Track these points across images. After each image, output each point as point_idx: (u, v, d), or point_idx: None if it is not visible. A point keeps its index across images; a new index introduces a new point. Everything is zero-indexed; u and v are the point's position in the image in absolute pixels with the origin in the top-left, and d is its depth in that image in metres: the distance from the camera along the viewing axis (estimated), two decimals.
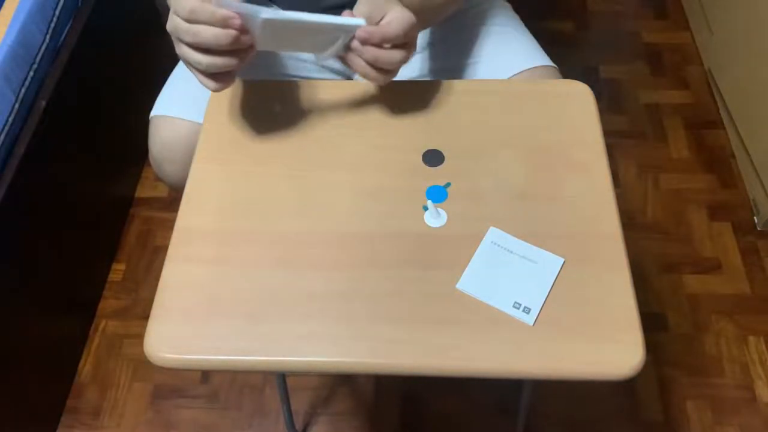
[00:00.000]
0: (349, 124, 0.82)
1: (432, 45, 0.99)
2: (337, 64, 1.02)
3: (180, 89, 0.98)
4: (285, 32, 0.72)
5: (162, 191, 1.60)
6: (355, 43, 0.73)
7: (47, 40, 1.24)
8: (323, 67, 1.01)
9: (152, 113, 0.96)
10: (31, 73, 1.19)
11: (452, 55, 0.98)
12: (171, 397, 1.31)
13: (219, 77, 0.71)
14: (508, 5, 1.05)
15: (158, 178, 1.01)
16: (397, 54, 0.74)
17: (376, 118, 0.82)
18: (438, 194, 0.75)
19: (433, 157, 0.78)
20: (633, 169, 1.58)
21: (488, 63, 0.97)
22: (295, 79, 0.99)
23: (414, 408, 1.28)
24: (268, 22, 0.68)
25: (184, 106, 0.94)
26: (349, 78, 1.04)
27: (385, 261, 0.70)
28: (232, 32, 0.67)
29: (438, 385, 1.30)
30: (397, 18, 0.73)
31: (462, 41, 0.99)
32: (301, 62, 1.00)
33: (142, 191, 1.61)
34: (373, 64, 0.74)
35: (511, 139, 0.80)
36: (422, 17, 0.78)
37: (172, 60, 2.05)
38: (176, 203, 0.76)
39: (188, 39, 0.67)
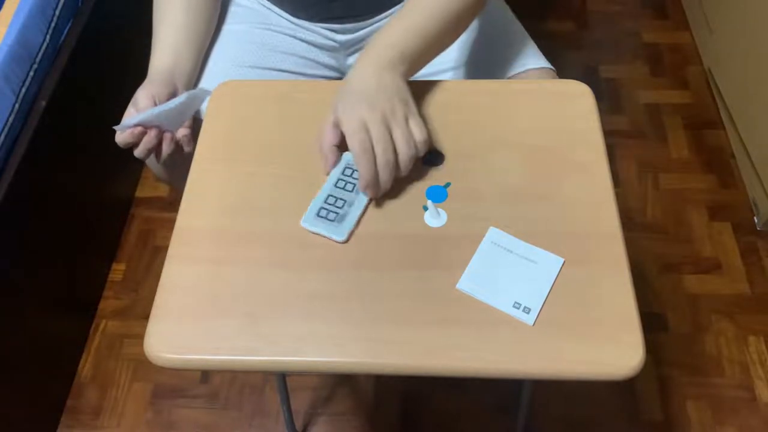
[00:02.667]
0: None
1: None
2: (332, 60, 1.02)
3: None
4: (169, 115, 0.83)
5: (162, 191, 1.60)
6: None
7: (47, 40, 1.24)
8: (317, 63, 1.01)
9: None
10: (31, 73, 1.19)
11: (450, 56, 0.98)
12: (171, 397, 1.31)
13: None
14: (507, 6, 1.05)
15: (157, 178, 1.01)
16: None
17: None
18: (438, 194, 0.75)
19: (434, 157, 0.78)
20: (633, 169, 1.58)
21: (485, 64, 0.97)
22: (287, 73, 0.99)
23: (414, 408, 1.28)
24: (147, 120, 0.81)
25: None
26: (344, 75, 1.05)
27: (385, 261, 0.70)
28: (141, 150, 0.82)
29: (438, 385, 1.30)
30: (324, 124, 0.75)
31: (459, 42, 0.99)
32: (293, 56, 1.00)
33: (142, 191, 1.61)
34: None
35: (511, 139, 0.80)
36: (419, 63, 0.81)
37: None
38: (176, 203, 0.76)
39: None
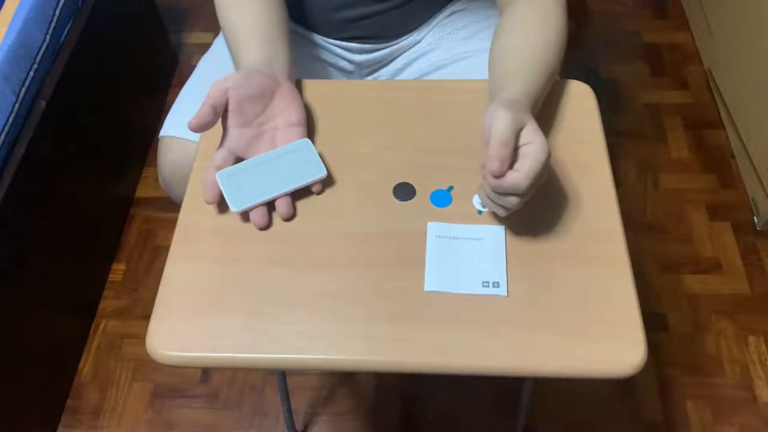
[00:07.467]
0: (351, 123, 0.82)
1: (430, 44, 0.99)
2: (348, 66, 1.01)
3: (190, 109, 0.94)
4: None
5: (162, 191, 1.60)
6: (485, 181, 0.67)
7: (47, 40, 1.24)
8: (331, 65, 1.00)
9: (161, 133, 0.94)
10: (31, 73, 1.19)
11: (450, 56, 0.98)
12: (171, 397, 1.31)
13: None
14: None
15: (170, 200, 0.99)
16: (513, 199, 0.66)
17: (377, 117, 0.82)
18: (443, 199, 0.75)
19: (405, 192, 0.77)
20: (633, 169, 1.58)
21: (485, 64, 0.97)
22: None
23: (414, 408, 1.28)
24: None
25: None
26: (350, 74, 1.04)
27: (385, 260, 0.70)
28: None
29: (438, 385, 1.30)
30: (534, 156, 0.64)
31: (459, 42, 0.98)
32: (308, 60, 0.99)
33: (142, 191, 1.61)
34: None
35: None
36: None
37: (171, 61, 2.05)
38: (177, 203, 0.76)
39: None
